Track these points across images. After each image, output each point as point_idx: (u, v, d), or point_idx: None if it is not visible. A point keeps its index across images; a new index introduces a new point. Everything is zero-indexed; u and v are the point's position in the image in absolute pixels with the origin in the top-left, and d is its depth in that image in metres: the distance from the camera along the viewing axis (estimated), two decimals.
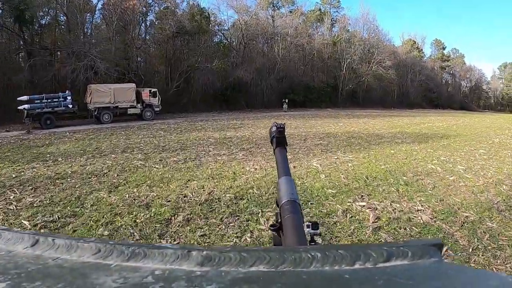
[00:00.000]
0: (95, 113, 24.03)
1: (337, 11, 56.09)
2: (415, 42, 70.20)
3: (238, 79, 35.91)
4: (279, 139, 0.95)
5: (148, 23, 36.80)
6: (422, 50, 71.82)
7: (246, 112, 33.49)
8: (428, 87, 67.05)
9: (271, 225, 0.72)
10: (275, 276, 0.34)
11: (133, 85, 25.71)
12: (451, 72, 79.12)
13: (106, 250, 0.39)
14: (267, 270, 0.35)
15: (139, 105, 25.57)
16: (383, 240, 4.21)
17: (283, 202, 0.73)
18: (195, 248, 0.38)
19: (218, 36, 39.99)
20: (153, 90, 26.44)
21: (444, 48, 78.27)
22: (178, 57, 35.05)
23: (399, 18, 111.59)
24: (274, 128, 0.96)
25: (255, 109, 36.56)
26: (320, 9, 54.29)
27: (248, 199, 5.65)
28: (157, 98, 26.27)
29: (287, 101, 35.54)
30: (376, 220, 4.82)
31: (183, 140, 12.93)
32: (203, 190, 6.02)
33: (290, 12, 48.12)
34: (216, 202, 5.54)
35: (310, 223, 0.73)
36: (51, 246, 0.42)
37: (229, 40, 40.49)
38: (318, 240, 0.73)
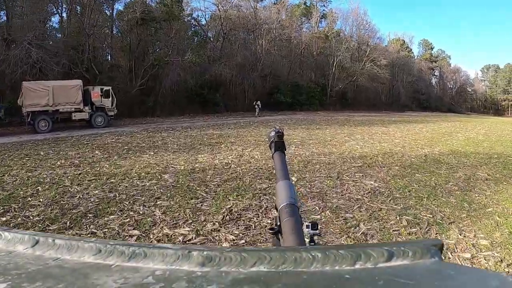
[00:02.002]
0: (29, 119, 17.96)
1: (324, 6, 51.12)
2: (404, 41, 66.55)
3: (216, 76, 30.12)
4: (278, 144, 0.91)
5: (115, 13, 30.49)
6: (411, 50, 68.31)
7: (225, 116, 27.80)
8: (416, 88, 63.64)
9: (270, 229, 0.71)
10: (275, 276, 0.34)
11: (79, 82, 19.54)
12: (439, 73, 76.17)
13: (106, 250, 0.39)
14: (267, 270, 0.35)
15: (87, 108, 19.52)
16: None
17: (282, 205, 0.72)
18: (196, 248, 0.38)
19: (193, 26, 33.90)
20: (105, 88, 20.38)
21: (432, 49, 75.31)
22: (144, 49, 28.89)
23: (382, 17, 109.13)
24: (272, 133, 0.93)
25: (235, 112, 30.90)
26: (305, 3, 49.19)
27: None
28: (110, 99, 20.26)
29: (259, 104, 29.40)
30: None
31: (118, 177, 7.17)
32: None
33: (275, 3, 42.65)
34: None
35: (310, 223, 0.72)
36: (51, 246, 0.41)
37: (205, 30, 34.51)
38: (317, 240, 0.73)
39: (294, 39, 39.95)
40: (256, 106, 29.10)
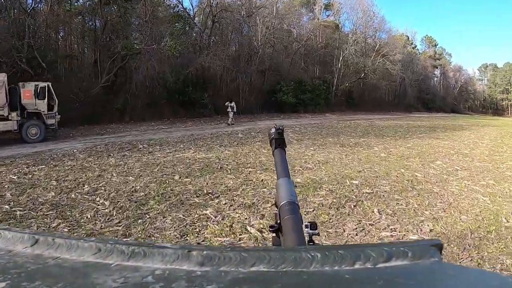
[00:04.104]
0: None
1: None
2: (408, 37, 61.34)
3: (203, 70, 23.82)
4: (278, 141, 0.92)
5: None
6: (416, 46, 63.28)
7: (215, 122, 21.61)
8: (422, 87, 58.83)
9: (271, 226, 0.71)
10: (275, 276, 0.34)
11: (2, 76, 13.22)
12: (442, 72, 71.56)
13: (106, 249, 0.39)
14: (267, 270, 0.35)
15: (14, 114, 13.27)
16: None
17: (282, 203, 0.72)
18: (196, 248, 0.39)
19: (175, 8, 27.39)
20: (41, 85, 13.87)
21: (435, 45, 70.45)
22: (110, 36, 22.62)
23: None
24: (273, 130, 0.93)
25: (227, 115, 24.56)
26: None
27: None
28: (45, 101, 13.96)
29: (234, 106, 20.49)
30: None
31: None
32: None
33: None
34: None
35: (309, 223, 0.72)
36: (51, 245, 0.41)
37: (189, 12, 27.99)
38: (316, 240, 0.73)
39: (296, 29, 34.01)
40: (229, 109, 20.08)
